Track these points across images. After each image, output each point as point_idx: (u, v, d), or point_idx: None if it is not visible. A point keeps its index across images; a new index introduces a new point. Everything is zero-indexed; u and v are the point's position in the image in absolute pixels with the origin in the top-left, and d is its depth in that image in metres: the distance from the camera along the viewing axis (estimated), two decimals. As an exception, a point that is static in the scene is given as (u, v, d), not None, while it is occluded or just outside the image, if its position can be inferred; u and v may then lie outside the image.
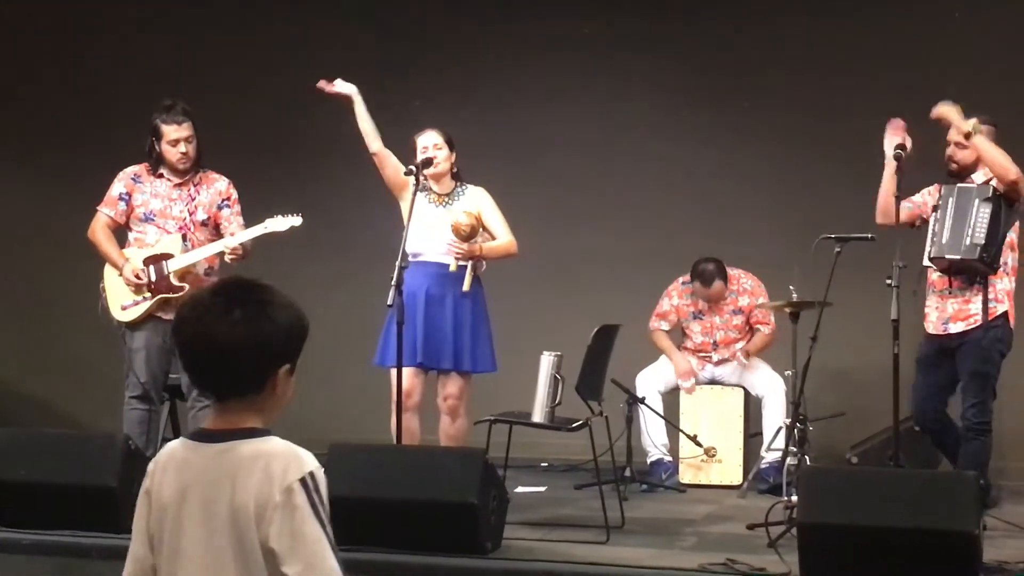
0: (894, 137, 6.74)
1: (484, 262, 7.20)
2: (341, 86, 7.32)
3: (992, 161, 6.65)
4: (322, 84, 7.34)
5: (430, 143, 7.22)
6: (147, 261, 7.20)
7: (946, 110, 6.77)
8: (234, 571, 2.64)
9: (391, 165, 7.21)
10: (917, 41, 9.13)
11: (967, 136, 6.68)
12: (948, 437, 6.97)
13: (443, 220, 7.13)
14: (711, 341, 8.63)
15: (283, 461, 2.65)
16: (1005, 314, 6.80)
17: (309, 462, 2.66)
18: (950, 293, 6.81)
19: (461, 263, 7.08)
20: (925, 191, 6.95)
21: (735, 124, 9.52)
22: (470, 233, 7.05)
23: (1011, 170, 6.60)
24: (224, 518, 2.64)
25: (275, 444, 2.69)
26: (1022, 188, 6.64)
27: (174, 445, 2.79)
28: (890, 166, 6.76)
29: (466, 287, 7.06)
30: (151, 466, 2.79)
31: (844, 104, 9.10)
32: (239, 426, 2.70)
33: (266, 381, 2.70)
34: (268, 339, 2.68)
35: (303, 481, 2.62)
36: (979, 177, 6.81)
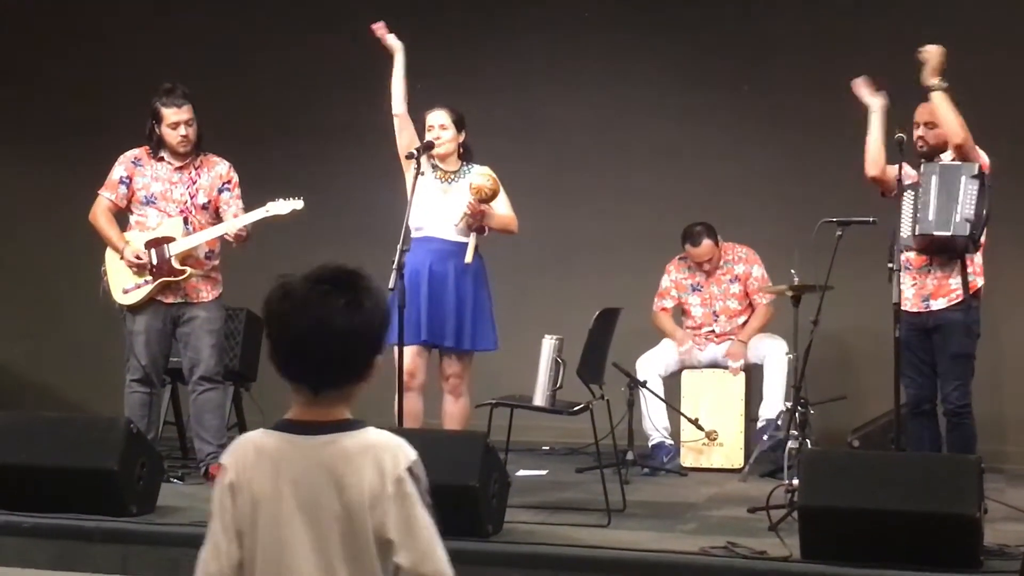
0: (866, 93, 6.84)
1: (487, 229, 7.16)
2: (392, 40, 7.25)
3: (945, 119, 6.62)
4: (378, 27, 7.26)
5: (436, 123, 7.20)
6: (148, 244, 7.20)
7: (931, 53, 6.74)
8: (343, 562, 2.63)
9: (408, 135, 7.16)
10: (918, 23, 9.09)
11: (930, 88, 6.66)
12: (935, 428, 6.89)
13: (448, 197, 7.12)
14: (712, 311, 8.65)
15: (391, 452, 2.66)
16: (979, 289, 6.78)
17: (410, 450, 2.69)
18: (930, 270, 6.75)
19: (464, 238, 7.07)
20: (893, 167, 6.79)
21: (736, 107, 9.52)
22: (489, 196, 7.02)
23: (960, 133, 6.58)
24: (334, 510, 2.63)
25: (378, 435, 2.70)
26: (968, 153, 6.61)
27: (257, 437, 2.74)
28: (876, 115, 6.78)
29: (468, 258, 7.04)
30: (228, 459, 2.73)
31: (845, 87, 9.03)
32: (335, 417, 2.69)
33: (368, 369, 2.70)
34: (376, 326, 2.68)
35: (410, 470, 2.67)
36: (946, 158, 6.78)
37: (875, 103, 6.82)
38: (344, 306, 2.63)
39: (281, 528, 2.66)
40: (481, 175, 7.09)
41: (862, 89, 6.89)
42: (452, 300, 7.07)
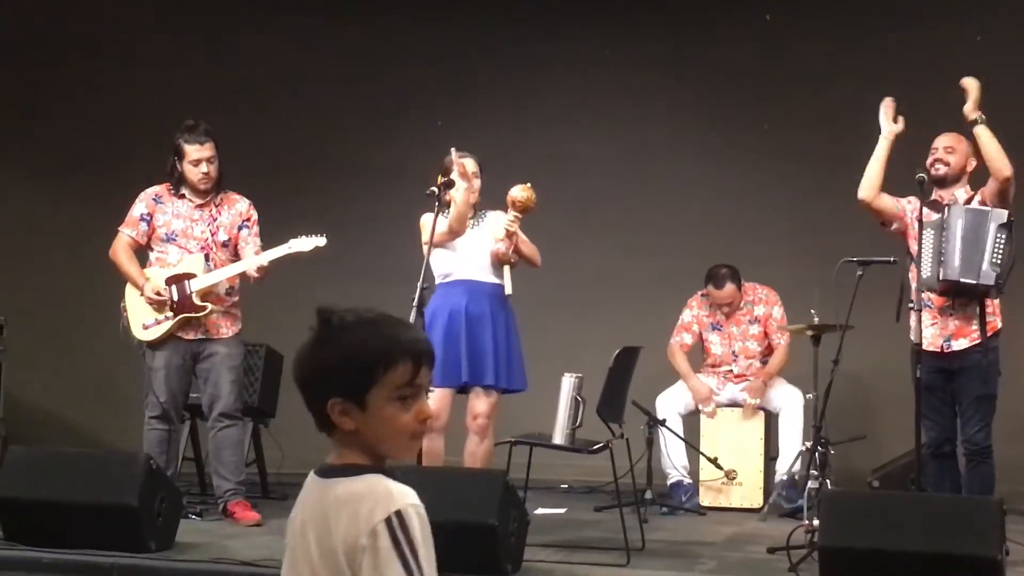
0: (885, 115, 6.84)
1: (516, 259, 7.16)
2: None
3: (992, 153, 6.60)
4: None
5: (472, 170, 7.13)
6: (169, 281, 7.21)
7: (971, 85, 6.72)
8: None
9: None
10: (938, 63, 9.10)
11: (974, 122, 6.63)
12: (956, 469, 6.86)
13: (470, 241, 7.12)
14: (731, 352, 8.63)
15: (370, 502, 2.56)
16: (999, 330, 6.76)
17: (399, 500, 2.56)
18: (952, 312, 6.73)
19: (494, 278, 7.06)
20: (904, 200, 6.85)
21: (755, 146, 9.53)
22: (525, 206, 7.00)
23: (1009, 166, 6.58)
24: (324, 555, 2.60)
25: (368, 483, 2.61)
26: (1010, 189, 6.60)
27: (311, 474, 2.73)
28: (886, 141, 6.82)
29: (509, 288, 7.05)
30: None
31: (865, 126, 9.08)
32: (343, 461, 2.64)
33: (324, 416, 2.61)
34: (308, 373, 2.62)
35: (388, 521, 2.53)
36: (960, 193, 6.76)
37: (888, 128, 6.82)
38: (311, 345, 2.61)
39: (297, 562, 2.66)
40: (516, 187, 7.06)
41: (884, 110, 6.86)
42: (490, 339, 7.06)
